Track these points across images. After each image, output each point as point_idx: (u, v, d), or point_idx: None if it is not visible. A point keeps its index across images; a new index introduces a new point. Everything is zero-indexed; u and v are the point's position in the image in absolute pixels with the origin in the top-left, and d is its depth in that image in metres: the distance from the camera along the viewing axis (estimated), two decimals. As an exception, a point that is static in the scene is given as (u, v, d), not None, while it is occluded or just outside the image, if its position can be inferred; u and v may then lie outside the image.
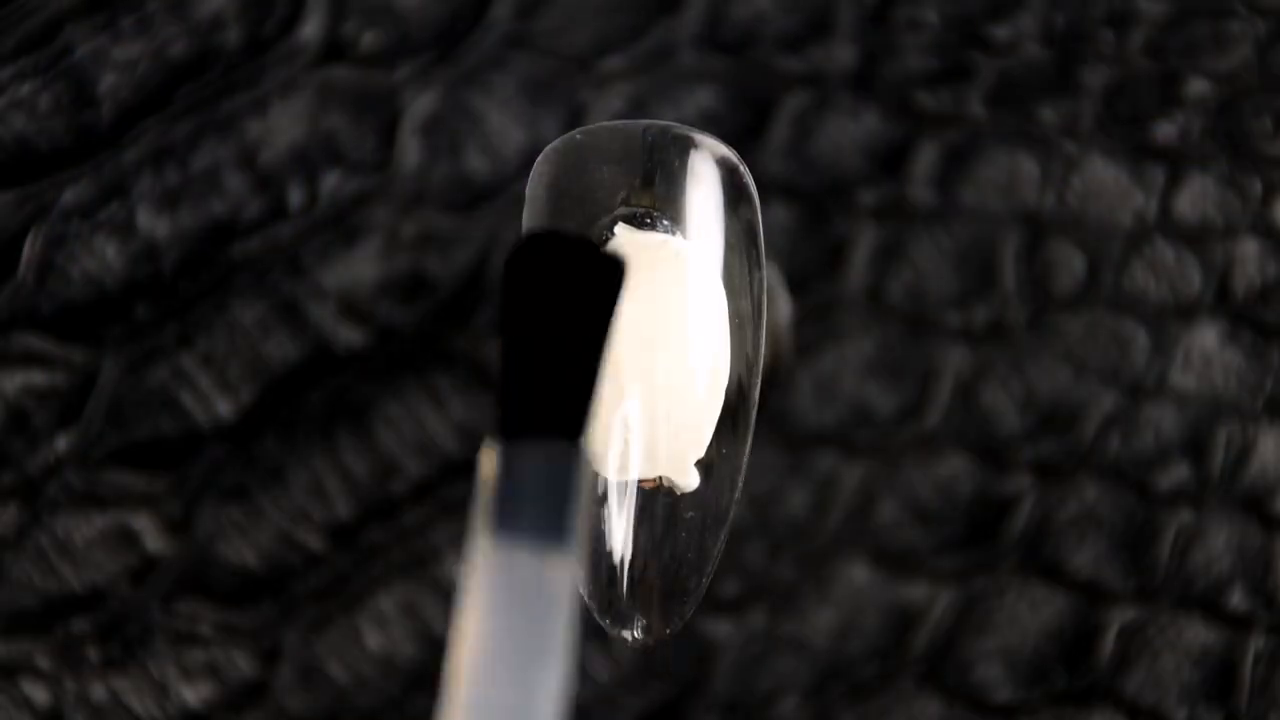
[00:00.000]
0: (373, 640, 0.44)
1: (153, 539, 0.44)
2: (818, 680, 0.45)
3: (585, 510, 0.29)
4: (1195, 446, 0.45)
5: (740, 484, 0.35)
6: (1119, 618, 0.45)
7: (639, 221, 0.34)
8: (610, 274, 0.29)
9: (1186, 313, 0.46)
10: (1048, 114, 0.46)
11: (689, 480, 0.34)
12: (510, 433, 0.29)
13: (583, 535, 0.32)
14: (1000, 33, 0.46)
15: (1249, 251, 0.46)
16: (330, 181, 0.45)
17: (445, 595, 0.45)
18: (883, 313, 0.45)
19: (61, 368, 0.44)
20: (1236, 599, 0.45)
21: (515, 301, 0.29)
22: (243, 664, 0.44)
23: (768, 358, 0.36)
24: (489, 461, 0.29)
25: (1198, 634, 0.45)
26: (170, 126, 0.45)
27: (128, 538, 0.44)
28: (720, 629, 0.45)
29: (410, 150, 0.45)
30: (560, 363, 0.29)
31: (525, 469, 0.29)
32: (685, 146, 0.34)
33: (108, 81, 0.45)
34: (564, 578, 0.28)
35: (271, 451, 0.45)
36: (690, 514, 0.34)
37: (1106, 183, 0.46)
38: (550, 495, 0.29)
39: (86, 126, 0.45)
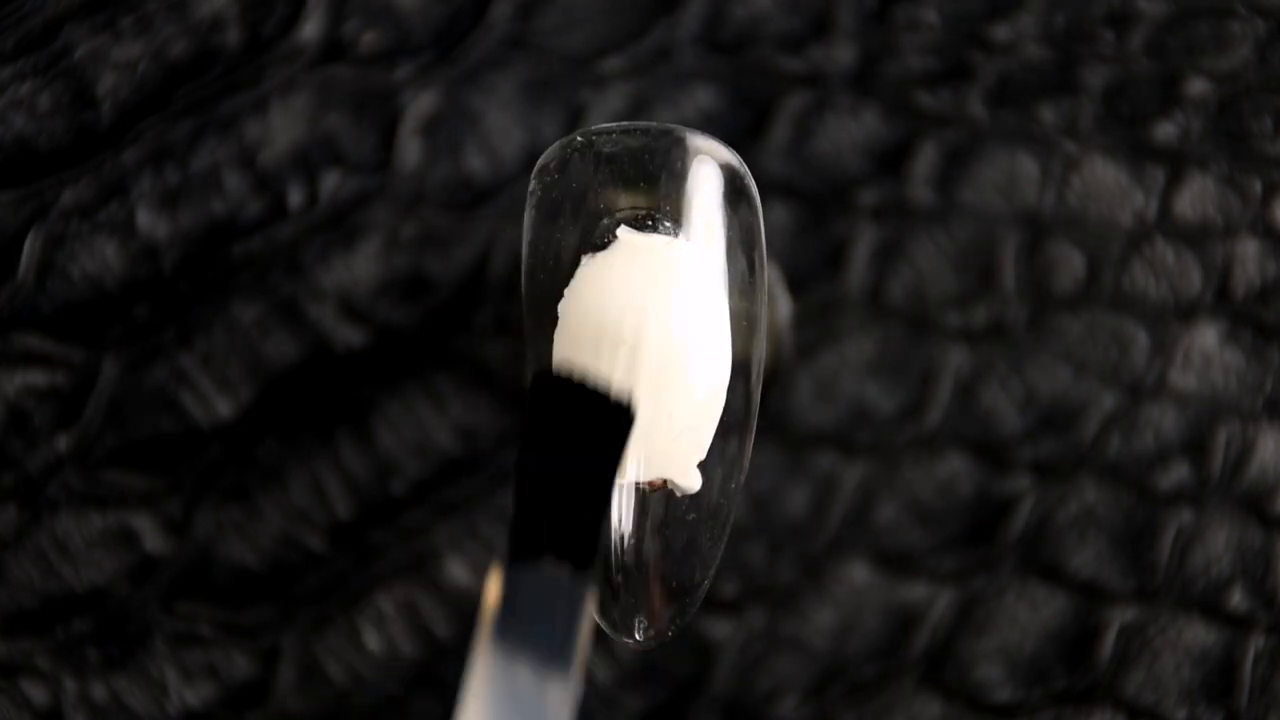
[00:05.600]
0: (372, 640, 0.44)
1: (153, 539, 0.44)
2: (818, 680, 0.45)
3: (588, 639, 0.30)
4: (1195, 446, 0.45)
5: (741, 485, 0.35)
6: (1119, 618, 0.45)
7: (641, 223, 0.34)
8: (619, 418, 0.31)
9: (1186, 313, 0.46)
10: (1048, 114, 0.46)
11: (691, 482, 0.34)
12: (519, 555, 0.30)
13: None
14: (1000, 33, 0.46)
15: (1249, 251, 0.46)
16: (330, 181, 0.45)
17: (445, 595, 0.45)
18: (883, 313, 0.46)
19: (61, 368, 0.44)
20: (1236, 599, 0.45)
21: (532, 434, 0.31)
22: (243, 664, 0.44)
23: (768, 358, 0.36)
24: (496, 581, 0.30)
25: (1198, 634, 0.45)
26: (170, 126, 0.45)
27: (128, 538, 0.44)
28: (720, 629, 0.45)
29: (410, 150, 0.45)
30: (571, 495, 0.30)
31: (532, 591, 0.30)
32: (686, 148, 0.34)
33: (108, 81, 0.45)
34: (563, 700, 0.29)
35: (271, 451, 0.45)
36: (691, 515, 0.34)
37: (1106, 183, 0.46)
38: (555, 620, 0.29)
39: (86, 126, 0.45)
